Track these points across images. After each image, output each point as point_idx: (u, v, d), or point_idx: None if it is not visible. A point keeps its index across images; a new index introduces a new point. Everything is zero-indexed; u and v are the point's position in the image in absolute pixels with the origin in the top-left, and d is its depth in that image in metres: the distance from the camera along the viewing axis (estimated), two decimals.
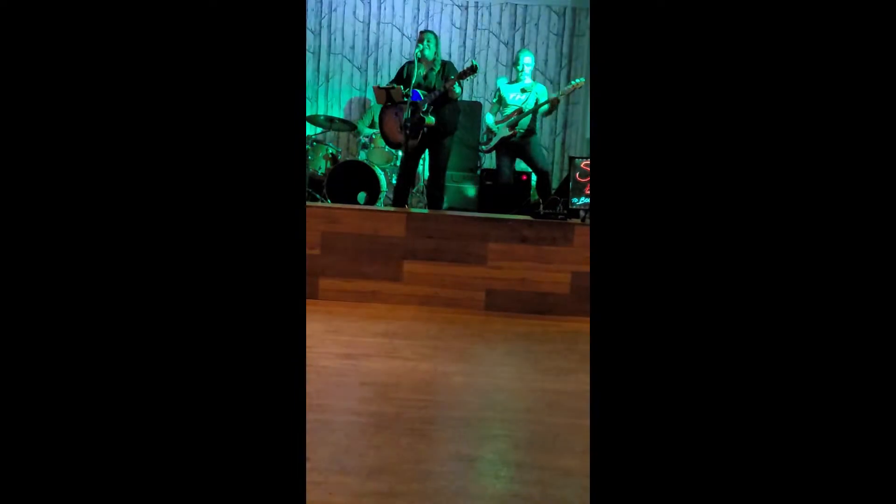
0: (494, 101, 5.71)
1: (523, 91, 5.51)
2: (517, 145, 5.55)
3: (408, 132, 5.06)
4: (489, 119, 5.66)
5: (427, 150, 5.30)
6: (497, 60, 7.42)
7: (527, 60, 5.56)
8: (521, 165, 5.82)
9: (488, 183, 6.24)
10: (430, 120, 5.07)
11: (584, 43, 7.28)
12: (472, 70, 4.96)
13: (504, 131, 5.51)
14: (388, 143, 5.47)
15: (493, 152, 5.69)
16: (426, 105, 5.06)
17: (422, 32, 5.23)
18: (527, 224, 4.56)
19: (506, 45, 7.42)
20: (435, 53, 5.13)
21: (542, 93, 5.56)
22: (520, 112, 5.45)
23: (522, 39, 7.37)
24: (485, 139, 5.72)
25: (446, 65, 5.19)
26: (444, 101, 5.10)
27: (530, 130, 5.52)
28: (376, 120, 5.79)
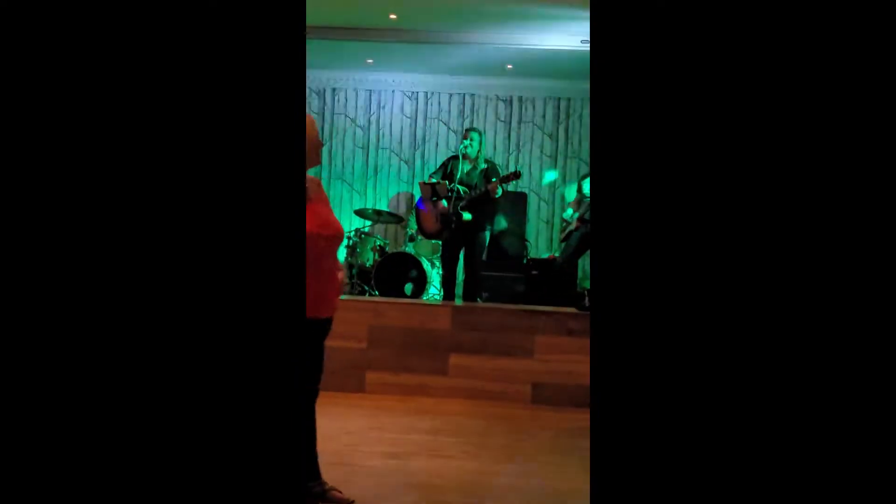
0: (575, 195, 5.90)
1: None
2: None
3: (441, 224, 5.18)
4: (567, 213, 5.92)
5: (464, 245, 5.38)
6: (542, 152, 7.54)
7: None
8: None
9: (534, 273, 6.25)
10: (467, 216, 5.16)
11: None
12: (516, 175, 5.13)
13: (573, 223, 5.64)
14: (422, 232, 5.59)
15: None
16: (465, 201, 5.17)
17: (467, 130, 5.40)
18: (572, 316, 4.54)
19: (549, 136, 7.55)
20: (478, 151, 5.27)
21: None
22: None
23: (566, 131, 7.50)
24: (562, 226, 6.00)
25: (489, 166, 5.34)
26: (483, 199, 5.20)
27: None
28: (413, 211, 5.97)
